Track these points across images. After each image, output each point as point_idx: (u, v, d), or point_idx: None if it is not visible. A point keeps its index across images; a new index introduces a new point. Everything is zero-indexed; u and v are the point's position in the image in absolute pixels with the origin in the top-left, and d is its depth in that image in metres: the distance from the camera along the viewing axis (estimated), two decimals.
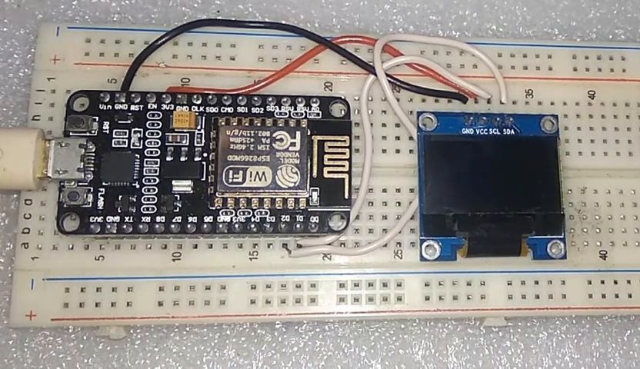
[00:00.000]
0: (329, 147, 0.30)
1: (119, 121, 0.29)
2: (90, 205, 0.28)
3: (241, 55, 0.32)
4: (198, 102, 0.30)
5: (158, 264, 0.30)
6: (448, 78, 0.32)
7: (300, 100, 0.30)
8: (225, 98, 0.30)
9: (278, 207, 0.29)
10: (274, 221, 0.29)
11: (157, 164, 0.29)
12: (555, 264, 0.31)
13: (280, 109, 0.30)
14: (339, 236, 0.30)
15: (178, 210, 0.29)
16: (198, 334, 0.31)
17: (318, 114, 0.30)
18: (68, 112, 0.29)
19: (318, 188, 0.29)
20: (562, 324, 0.32)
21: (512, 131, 0.32)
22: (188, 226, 0.29)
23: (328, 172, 0.30)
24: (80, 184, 0.28)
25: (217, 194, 0.29)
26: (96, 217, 0.28)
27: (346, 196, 0.30)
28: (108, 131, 0.29)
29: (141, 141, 0.29)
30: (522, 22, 0.36)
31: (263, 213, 0.29)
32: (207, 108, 0.30)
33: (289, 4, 0.34)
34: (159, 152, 0.29)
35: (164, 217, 0.29)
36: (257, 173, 0.29)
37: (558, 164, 0.31)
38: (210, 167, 0.29)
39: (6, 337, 0.30)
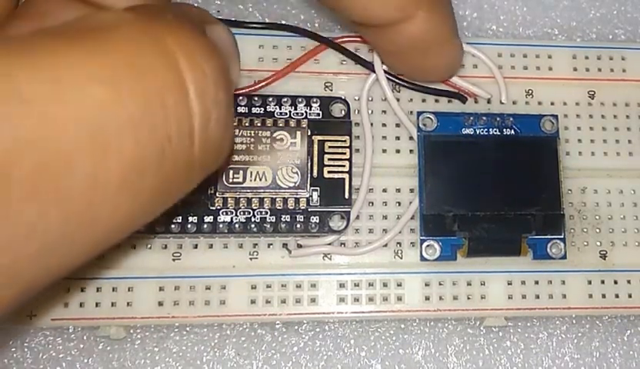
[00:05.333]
0: (329, 147, 0.30)
1: None
2: None
3: (241, 55, 0.32)
4: None
5: (158, 264, 0.30)
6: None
7: (300, 100, 0.30)
8: None
9: (279, 207, 0.29)
10: (274, 220, 0.29)
11: None
12: (555, 264, 0.31)
13: (280, 109, 0.30)
14: (339, 236, 0.30)
15: (178, 210, 0.29)
16: (198, 334, 0.31)
17: (318, 114, 0.30)
18: None
19: (318, 188, 0.29)
20: (562, 324, 0.32)
21: (512, 131, 0.32)
22: (188, 226, 0.29)
23: (329, 172, 0.30)
24: None
25: (217, 194, 0.29)
26: None
27: (346, 196, 0.30)
28: None
29: None
30: (522, 22, 0.36)
31: (263, 213, 0.29)
32: None
33: (289, 4, 0.34)
34: None
35: (164, 217, 0.29)
36: (257, 173, 0.29)
37: (558, 164, 0.31)
38: None
39: (6, 337, 0.30)
